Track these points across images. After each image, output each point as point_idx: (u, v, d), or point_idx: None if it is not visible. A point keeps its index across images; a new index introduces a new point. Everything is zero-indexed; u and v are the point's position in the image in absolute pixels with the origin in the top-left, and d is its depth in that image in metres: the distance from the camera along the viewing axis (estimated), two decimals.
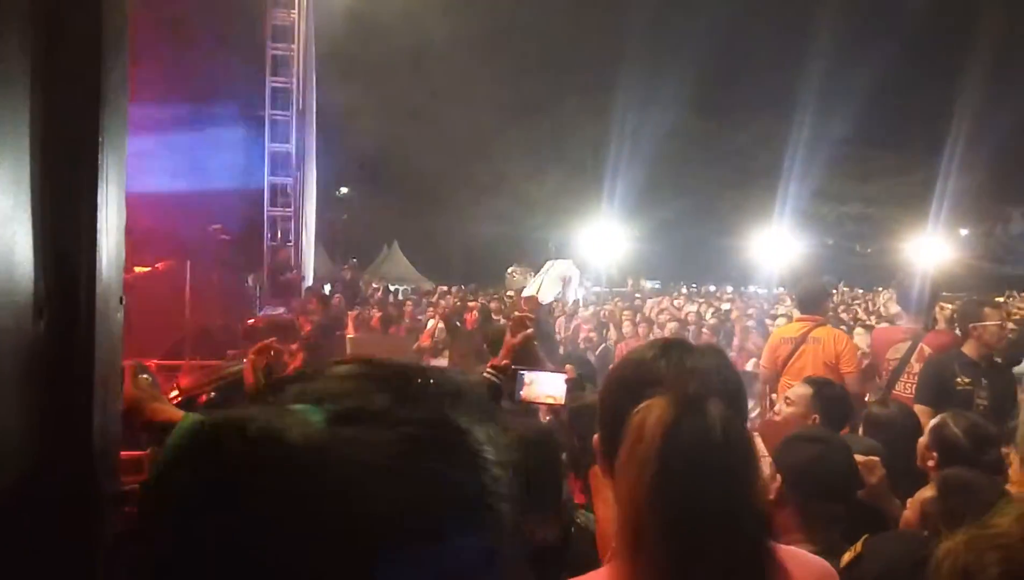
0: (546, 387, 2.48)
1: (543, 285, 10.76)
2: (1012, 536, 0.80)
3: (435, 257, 28.35)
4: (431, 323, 10.34)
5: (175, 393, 2.68)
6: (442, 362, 8.99)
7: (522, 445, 2.44)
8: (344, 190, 32.06)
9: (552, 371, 2.56)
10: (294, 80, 16.11)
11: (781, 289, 21.06)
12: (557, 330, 10.83)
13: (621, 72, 27.62)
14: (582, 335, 10.64)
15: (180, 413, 1.96)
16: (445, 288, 17.85)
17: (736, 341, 9.53)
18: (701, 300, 17.45)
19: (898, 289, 5.75)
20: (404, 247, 28.27)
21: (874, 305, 15.19)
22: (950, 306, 6.09)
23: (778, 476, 2.18)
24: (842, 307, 13.23)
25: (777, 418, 3.46)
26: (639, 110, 27.69)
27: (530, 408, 2.85)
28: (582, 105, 30.32)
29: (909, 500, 2.50)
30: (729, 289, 22.92)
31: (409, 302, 14.13)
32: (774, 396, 5.14)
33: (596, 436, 1.41)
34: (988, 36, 24.29)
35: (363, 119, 23.96)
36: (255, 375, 2.76)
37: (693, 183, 32.59)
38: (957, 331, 4.82)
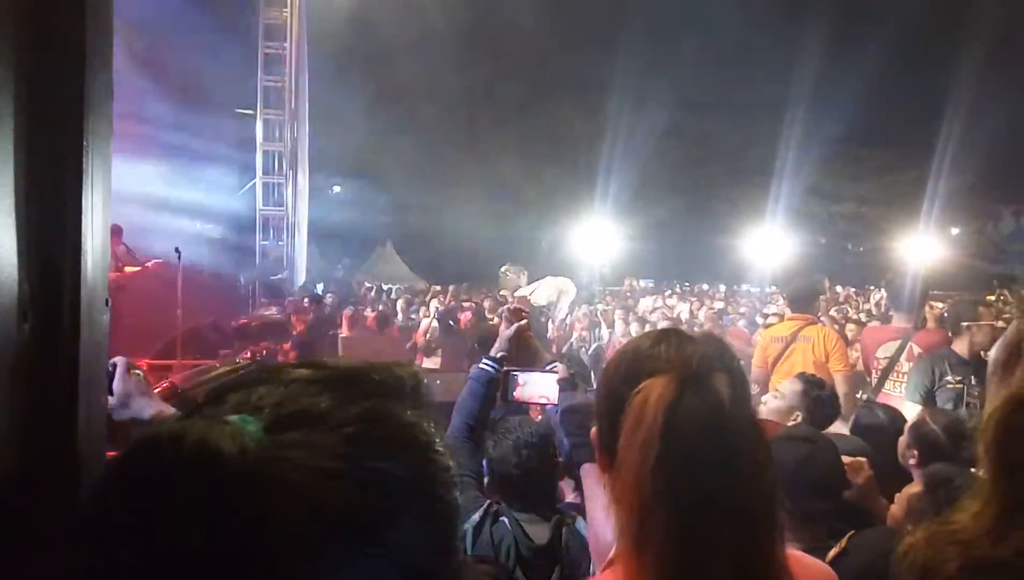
0: (539, 387, 2.48)
1: (538, 290, 10.75)
2: (970, 531, 0.81)
3: (428, 256, 28.31)
4: (424, 322, 10.34)
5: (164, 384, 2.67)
6: (435, 361, 9.00)
7: (518, 447, 2.45)
8: (337, 189, 32.01)
9: (544, 371, 2.56)
10: (287, 79, 16.09)
11: (773, 288, 21.11)
12: (547, 332, 10.83)
13: (614, 70, 27.64)
14: (575, 334, 10.66)
15: (170, 410, 1.96)
16: (438, 287, 17.83)
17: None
18: (693, 299, 17.49)
19: (889, 288, 5.78)
20: (397, 246, 28.24)
21: (866, 301, 15.25)
22: (939, 305, 6.12)
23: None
24: (833, 307, 13.25)
25: (763, 409, 3.47)
26: (632, 108, 27.72)
27: (522, 407, 2.85)
28: (575, 103, 30.33)
29: (897, 495, 2.52)
30: (722, 288, 22.96)
31: (402, 301, 14.10)
32: (764, 396, 5.16)
33: (594, 430, 1.33)
34: (980, 36, 24.39)
35: (356, 117, 23.91)
36: None
37: (686, 182, 32.65)
38: (948, 330, 4.84)
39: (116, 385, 1.87)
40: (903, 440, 2.89)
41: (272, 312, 13.48)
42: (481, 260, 26.30)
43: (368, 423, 0.57)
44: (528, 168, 30.81)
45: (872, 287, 18.93)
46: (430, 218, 29.76)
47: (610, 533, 1.24)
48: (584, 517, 2.23)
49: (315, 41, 17.29)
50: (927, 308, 5.88)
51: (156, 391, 2.02)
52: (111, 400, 1.86)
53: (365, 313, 10.74)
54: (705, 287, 22.98)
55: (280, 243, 16.35)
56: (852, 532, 2.14)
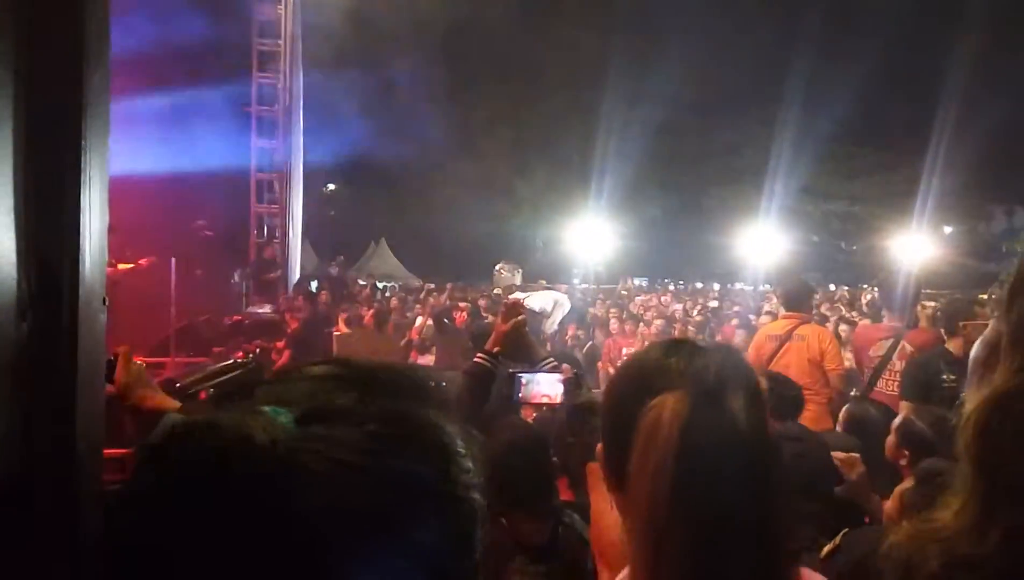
0: (543, 387, 2.49)
1: (533, 296, 10.77)
2: (951, 529, 0.82)
3: (422, 254, 28.30)
4: (419, 320, 10.34)
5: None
6: (429, 359, 8.99)
7: (513, 449, 2.45)
8: (331, 186, 31.96)
9: (548, 371, 2.56)
10: (281, 76, 16.04)
11: (767, 286, 21.18)
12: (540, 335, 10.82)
13: (607, 69, 27.65)
14: (569, 333, 10.67)
15: (169, 401, 1.97)
16: (432, 285, 17.82)
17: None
18: (687, 297, 17.55)
19: (882, 287, 5.80)
20: (391, 244, 28.22)
21: (857, 300, 15.31)
22: (931, 304, 6.15)
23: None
24: (826, 305, 13.31)
25: None
26: (626, 107, 27.73)
27: (512, 407, 2.86)
28: (569, 102, 30.33)
29: (893, 495, 2.54)
30: (716, 286, 23.02)
31: (395, 299, 14.09)
32: None
33: (599, 446, 1.26)
34: (972, 36, 24.47)
35: (350, 114, 23.88)
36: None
37: (679, 180, 32.68)
38: (941, 329, 4.86)
39: (118, 375, 1.89)
40: (891, 441, 2.91)
41: (266, 310, 13.48)
42: (476, 258, 26.33)
43: (392, 421, 0.59)
44: (522, 166, 30.83)
45: (865, 286, 19.01)
46: (424, 216, 29.76)
47: (612, 532, 1.21)
48: (581, 515, 2.24)
49: (309, 38, 17.23)
50: (919, 307, 5.91)
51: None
52: (112, 389, 1.88)
53: (361, 311, 10.73)
54: (699, 285, 23.03)
55: (274, 240, 16.30)
56: (846, 530, 2.15)
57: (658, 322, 10.41)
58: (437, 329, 9.30)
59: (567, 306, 10.85)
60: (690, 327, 10.57)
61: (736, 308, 13.52)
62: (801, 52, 25.85)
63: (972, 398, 0.83)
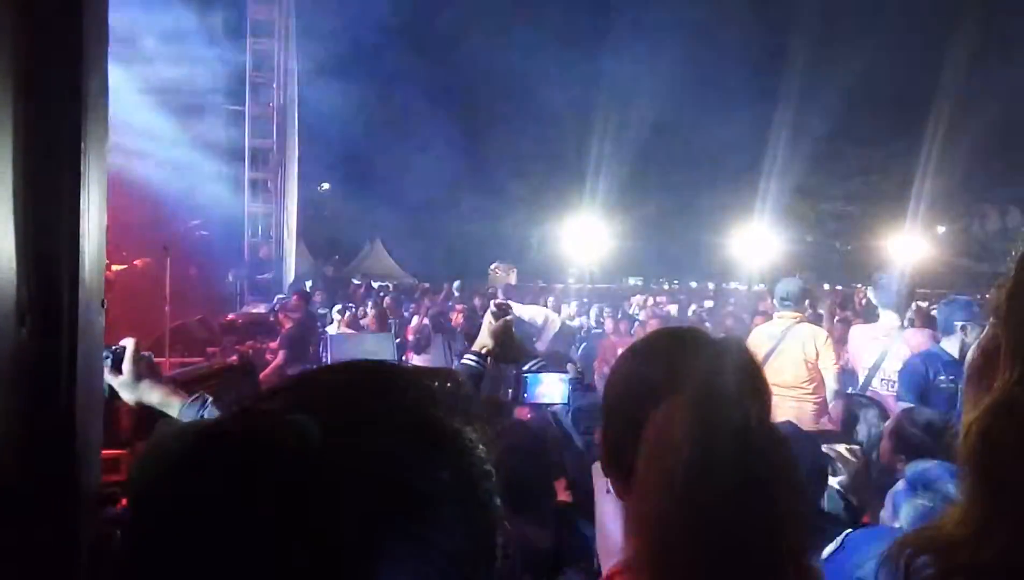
0: (549, 387, 2.49)
1: (523, 309, 10.78)
2: (952, 538, 0.82)
3: (417, 253, 28.30)
4: (415, 320, 10.33)
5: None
6: (425, 359, 8.99)
7: (515, 452, 2.45)
8: (326, 186, 31.91)
9: (553, 371, 2.57)
10: (274, 75, 16.01)
11: (762, 285, 21.22)
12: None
13: (602, 68, 27.70)
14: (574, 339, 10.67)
15: (175, 392, 1.96)
16: (427, 285, 17.80)
17: None
18: (683, 297, 17.59)
19: (876, 286, 5.81)
20: (386, 243, 28.21)
21: (851, 301, 15.35)
22: (926, 304, 6.17)
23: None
24: (820, 304, 13.34)
25: None
26: (621, 106, 27.77)
27: (505, 408, 2.86)
28: (564, 101, 30.36)
29: (889, 493, 2.54)
30: (711, 285, 23.07)
31: (389, 299, 14.07)
32: None
33: (601, 443, 1.22)
34: (966, 36, 24.56)
35: (344, 114, 23.85)
36: None
37: (674, 180, 32.72)
38: (939, 329, 4.87)
39: (126, 366, 1.88)
40: (886, 446, 2.91)
41: (260, 310, 13.45)
42: (471, 257, 26.33)
43: (416, 427, 0.59)
44: (517, 165, 30.85)
45: (859, 285, 19.05)
46: (419, 216, 29.76)
47: (619, 533, 1.19)
48: (581, 515, 2.24)
49: (304, 37, 17.20)
50: (915, 307, 5.93)
51: None
52: (120, 378, 1.87)
53: (359, 311, 10.72)
54: (694, 285, 23.08)
55: (268, 240, 16.27)
56: (849, 530, 2.15)
57: (653, 322, 10.43)
58: (434, 329, 9.29)
59: (558, 324, 10.85)
60: (686, 326, 10.58)
61: (730, 307, 13.56)
62: (795, 51, 25.92)
63: (971, 407, 0.84)
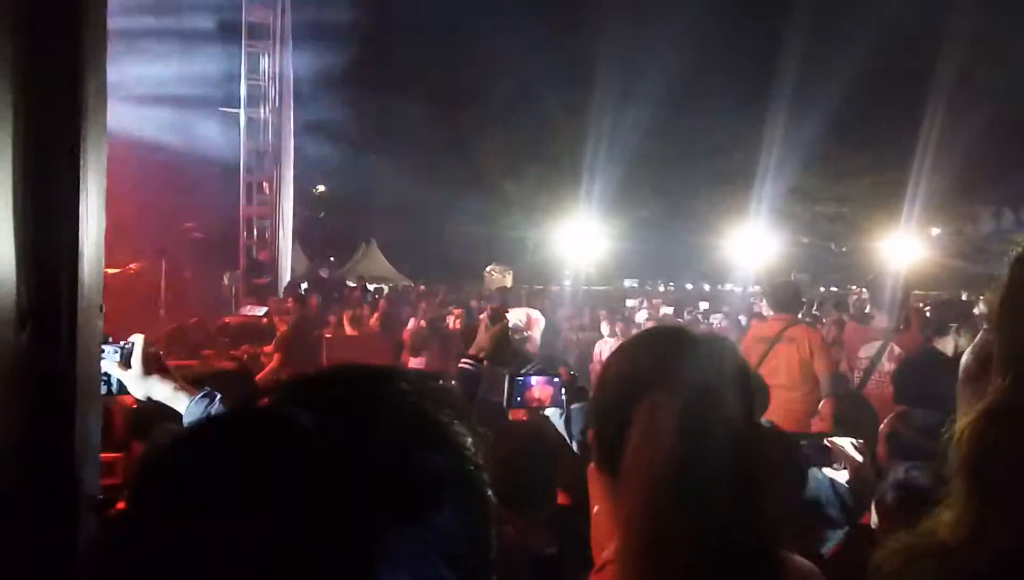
0: (541, 390, 2.49)
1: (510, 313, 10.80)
2: (946, 543, 0.83)
3: (413, 255, 28.27)
4: (411, 322, 10.33)
5: None
6: (420, 361, 8.99)
7: (517, 454, 2.45)
8: (321, 188, 31.86)
9: (546, 374, 2.57)
10: (270, 77, 16.00)
11: (757, 287, 21.25)
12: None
13: (597, 70, 27.69)
14: (560, 336, 10.67)
15: (184, 388, 1.98)
16: (423, 287, 17.79)
17: None
18: (678, 298, 17.61)
19: (871, 288, 5.83)
20: (381, 245, 28.16)
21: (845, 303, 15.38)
22: (920, 306, 6.19)
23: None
24: (815, 306, 13.38)
25: None
26: (616, 108, 27.78)
27: (501, 411, 2.86)
28: (559, 103, 30.35)
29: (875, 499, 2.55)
30: (706, 287, 23.09)
31: (384, 301, 14.05)
32: None
33: (591, 435, 1.23)
34: (959, 39, 24.64)
35: (340, 116, 23.84)
36: None
37: (669, 182, 32.75)
38: (933, 331, 4.88)
39: (135, 361, 1.90)
40: (882, 449, 2.92)
41: (256, 313, 13.42)
42: (466, 259, 26.32)
43: (413, 426, 0.61)
44: (512, 167, 30.83)
45: (854, 287, 19.09)
46: (415, 217, 29.72)
47: (610, 529, 1.20)
48: (581, 517, 2.23)
49: (299, 40, 17.19)
50: (909, 308, 5.95)
51: None
52: (129, 372, 1.89)
53: (364, 312, 10.72)
54: (689, 287, 23.10)
55: (264, 243, 16.25)
56: (847, 528, 2.16)
57: (650, 324, 10.45)
58: (431, 332, 9.30)
59: (542, 322, 10.87)
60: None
61: (725, 309, 13.59)
62: (789, 54, 25.98)
63: (964, 413, 0.84)
